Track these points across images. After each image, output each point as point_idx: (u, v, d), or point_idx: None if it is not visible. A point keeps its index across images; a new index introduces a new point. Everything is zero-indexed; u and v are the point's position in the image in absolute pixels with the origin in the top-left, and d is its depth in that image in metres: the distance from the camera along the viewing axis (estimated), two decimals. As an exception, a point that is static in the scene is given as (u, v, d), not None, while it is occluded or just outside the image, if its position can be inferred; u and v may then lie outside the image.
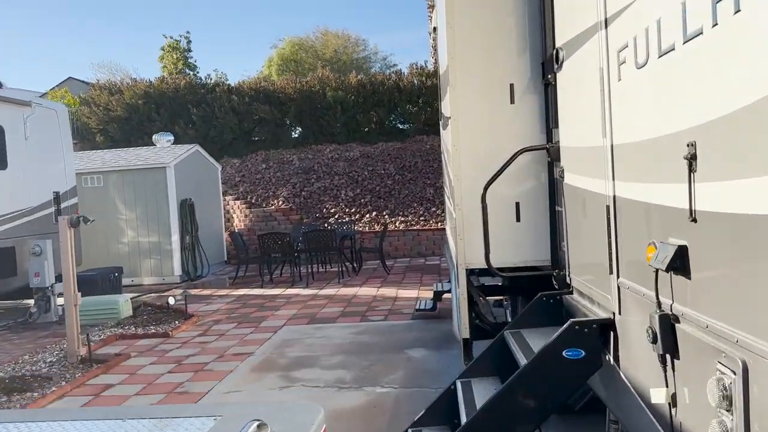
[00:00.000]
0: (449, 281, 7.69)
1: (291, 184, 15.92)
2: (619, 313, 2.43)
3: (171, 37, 27.11)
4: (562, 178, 3.20)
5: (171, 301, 8.55)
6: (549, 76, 3.38)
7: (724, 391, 1.55)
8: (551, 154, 3.44)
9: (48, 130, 9.65)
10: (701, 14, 1.65)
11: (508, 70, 3.71)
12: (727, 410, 1.56)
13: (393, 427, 4.07)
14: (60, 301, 7.55)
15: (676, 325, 1.89)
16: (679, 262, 1.81)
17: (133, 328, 7.60)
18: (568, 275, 3.20)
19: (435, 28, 5.60)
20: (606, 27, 2.41)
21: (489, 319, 3.89)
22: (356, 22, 62.05)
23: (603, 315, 2.60)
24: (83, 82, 25.53)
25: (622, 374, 2.42)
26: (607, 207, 2.46)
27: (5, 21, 56.72)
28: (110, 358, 6.19)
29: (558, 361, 2.53)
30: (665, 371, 1.95)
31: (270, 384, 5.30)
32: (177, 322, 7.85)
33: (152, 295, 10.50)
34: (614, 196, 2.42)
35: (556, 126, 3.40)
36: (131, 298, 8.91)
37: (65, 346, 6.25)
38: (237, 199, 15.63)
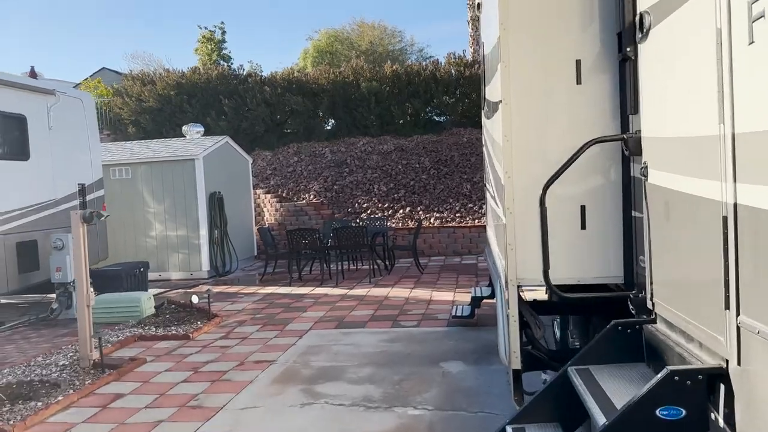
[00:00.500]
0: (488, 285, 7.05)
1: (323, 178, 15.45)
2: (738, 363, 1.80)
3: (206, 28, 26.85)
4: (645, 176, 2.56)
5: (194, 299, 8.20)
6: (628, 50, 2.70)
7: None
8: (629, 146, 2.75)
9: (73, 119, 9.38)
10: None
11: (574, 43, 3.00)
12: None
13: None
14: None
15: None
16: None
17: (154, 329, 7.23)
18: (650, 299, 2.55)
19: (479, 4, 4.91)
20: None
21: (544, 345, 3.24)
22: (393, 13, 61.18)
23: (710, 361, 1.96)
24: (117, 72, 25.48)
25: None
26: (724, 218, 1.82)
27: (42, 11, 58.06)
28: (124, 362, 5.81)
29: (650, 421, 1.91)
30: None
31: (291, 399, 4.81)
32: (199, 322, 7.46)
33: (178, 291, 10.18)
34: (735, 204, 1.79)
35: (635, 112, 2.74)
36: (155, 295, 8.59)
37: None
38: (268, 192, 15.25)
